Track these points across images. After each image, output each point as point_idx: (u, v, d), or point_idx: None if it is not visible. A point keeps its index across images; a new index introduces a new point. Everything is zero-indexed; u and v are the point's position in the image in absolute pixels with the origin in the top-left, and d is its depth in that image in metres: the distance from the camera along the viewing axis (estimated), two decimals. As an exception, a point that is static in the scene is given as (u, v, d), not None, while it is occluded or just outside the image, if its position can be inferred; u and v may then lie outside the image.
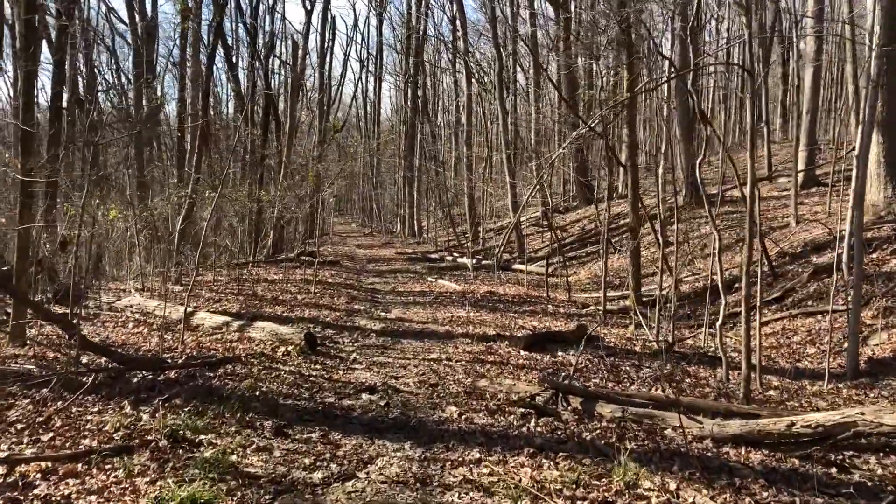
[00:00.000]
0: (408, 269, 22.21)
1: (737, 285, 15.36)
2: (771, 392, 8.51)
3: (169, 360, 8.56)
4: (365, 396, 7.52)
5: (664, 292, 15.87)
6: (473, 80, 33.31)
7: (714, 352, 10.87)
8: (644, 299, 14.47)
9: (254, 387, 7.50)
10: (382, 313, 13.48)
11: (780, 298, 13.22)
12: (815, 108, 21.89)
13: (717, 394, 8.25)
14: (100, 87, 27.93)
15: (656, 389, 8.31)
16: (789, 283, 13.57)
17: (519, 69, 39.34)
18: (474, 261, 21.66)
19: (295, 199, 19.62)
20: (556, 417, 6.83)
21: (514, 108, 33.32)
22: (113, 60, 36.69)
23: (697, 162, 12.25)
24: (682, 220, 21.37)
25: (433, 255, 25.98)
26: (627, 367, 9.45)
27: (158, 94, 23.68)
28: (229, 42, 31.36)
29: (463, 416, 6.84)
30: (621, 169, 29.24)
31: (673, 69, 12.97)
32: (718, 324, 9.06)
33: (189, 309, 11.27)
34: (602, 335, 11.86)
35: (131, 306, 12.01)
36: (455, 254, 25.45)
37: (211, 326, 10.57)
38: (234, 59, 32.41)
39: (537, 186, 20.90)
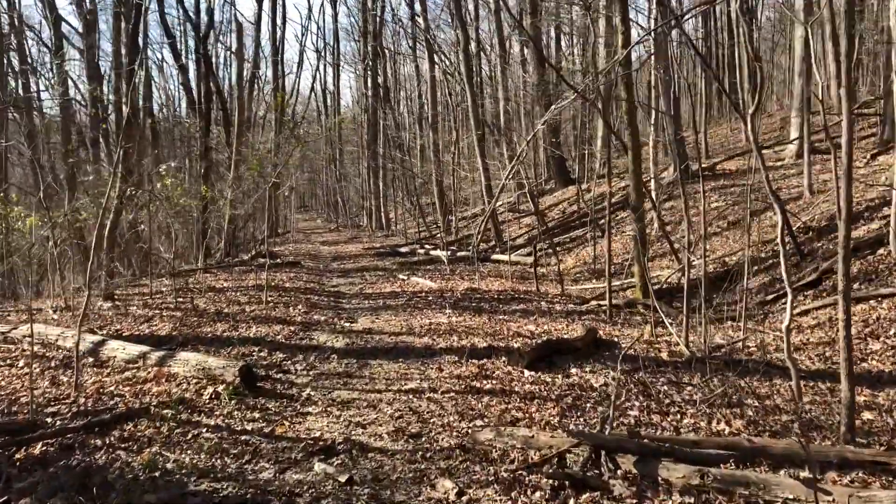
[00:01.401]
0: (376, 267, 19.74)
1: (756, 268, 13.19)
2: (867, 414, 6.24)
3: (49, 419, 6.08)
4: (318, 466, 5.10)
5: (672, 280, 13.69)
6: (436, 62, 30.80)
7: (760, 355, 8.63)
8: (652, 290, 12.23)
9: (154, 463, 5.05)
10: (347, 324, 11.03)
11: (815, 283, 11.00)
12: (808, 68, 19.75)
13: (801, 423, 5.96)
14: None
15: (717, 422, 6.00)
16: (823, 262, 11.35)
17: (482, 55, 36.96)
18: (448, 253, 19.25)
19: (242, 195, 17.02)
20: (603, 491, 4.48)
21: (479, 90, 30.88)
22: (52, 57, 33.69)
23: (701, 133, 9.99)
24: (675, 197, 19.20)
25: (403, 249, 23.53)
26: (664, 387, 7.13)
27: (54, 78, 20.71)
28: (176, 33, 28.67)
29: (464, 498, 4.47)
30: (599, 144, 27.08)
31: (669, 18, 10.68)
32: (785, 325, 6.74)
33: (96, 338, 8.75)
34: (616, 339, 9.56)
35: (29, 336, 9.41)
36: (427, 246, 23.01)
37: (124, 360, 8.05)
38: (178, 49, 29.73)
39: (515, 166, 18.58)
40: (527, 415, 6.17)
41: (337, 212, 47.27)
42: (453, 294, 13.62)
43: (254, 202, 19.26)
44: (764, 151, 23.25)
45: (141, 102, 23.48)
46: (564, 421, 6.02)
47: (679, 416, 6.16)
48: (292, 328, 10.44)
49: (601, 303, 12.14)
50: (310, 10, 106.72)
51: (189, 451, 5.37)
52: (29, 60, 30.22)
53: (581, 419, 6.11)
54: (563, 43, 35.73)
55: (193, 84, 25.11)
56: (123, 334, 9.96)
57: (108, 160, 21.91)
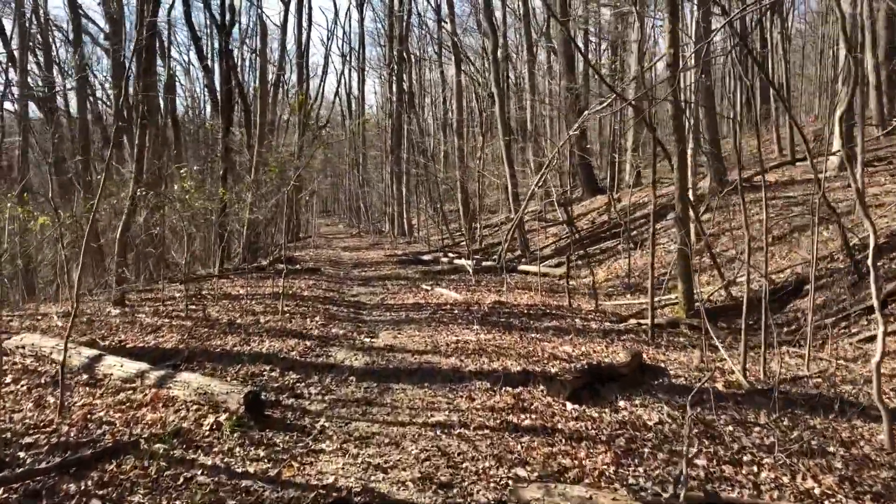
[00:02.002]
0: (398, 275, 18.84)
1: (806, 288, 12.12)
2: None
3: (22, 453, 5.22)
4: (330, 528, 4.18)
5: (714, 297, 12.65)
6: (462, 67, 29.92)
7: (827, 387, 7.60)
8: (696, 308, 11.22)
9: (134, 519, 4.16)
10: (367, 339, 10.11)
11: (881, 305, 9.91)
12: (856, 76, 18.58)
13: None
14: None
15: (802, 477, 5.01)
16: (887, 283, 10.28)
17: (509, 63, 36.05)
18: (473, 262, 18.29)
19: (261, 198, 16.20)
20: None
21: (507, 94, 29.93)
22: (78, 57, 33.23)
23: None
24: (713, 209, 18.13)
25: (426, 257, 22.62)
26: (729, 427, 6.15)
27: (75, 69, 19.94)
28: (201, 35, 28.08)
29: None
30: (630, 152, 26.03)
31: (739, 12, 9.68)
32: (875, 360, 5.74)
33: (92, 352, 7.90)
34: (663, 365, 8.57)
35: (23, 347, 8.58)
36: (451, 254, 22.09)
37: (121, 378, 7.18)
38: (203, 51, 29.12)
39: (545, 173, 17.63)
40: (575, 461, 5.21)
41: (359, 217, 46.52)
42: (480, 308, 12.68)
43: (273, 206, 18.40)
44: (802, 164, 22.12)
45: (162, 104, 22.83)
46: (621, 471, 5.06)
47: (755, 469, 5.18)
48: (308, 343, 9.53)
49: (641, 322, 11.14)
50: (336, 14, 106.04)
51: (178, 502, 4.47)
52: (56, 60, 29.77)
53: (640, 469, 5.14)
54: (590, 48, 34.69)
55: (217, 85, 24.47)
56: (127, 345, 9.13)
57: (130, 161, 21.27)
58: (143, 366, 7.21)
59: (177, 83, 35.43)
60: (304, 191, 31.79)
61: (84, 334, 9.79)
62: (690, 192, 17.49)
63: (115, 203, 13.23)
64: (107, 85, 31.75)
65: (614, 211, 19.90)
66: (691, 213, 13.72)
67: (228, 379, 7.38)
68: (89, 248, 12.56)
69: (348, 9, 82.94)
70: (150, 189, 13.30)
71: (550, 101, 33.09)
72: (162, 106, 24.34)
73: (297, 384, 7.45)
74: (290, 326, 10.72)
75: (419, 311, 12.69)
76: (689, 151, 18.29)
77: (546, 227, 24.30)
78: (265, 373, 7.79)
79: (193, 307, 12.32)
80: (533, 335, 10.21)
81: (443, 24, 34.21)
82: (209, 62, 29.50)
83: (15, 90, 22.00)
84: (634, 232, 18.27)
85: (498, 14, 34.64)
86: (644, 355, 8.70)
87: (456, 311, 12.34)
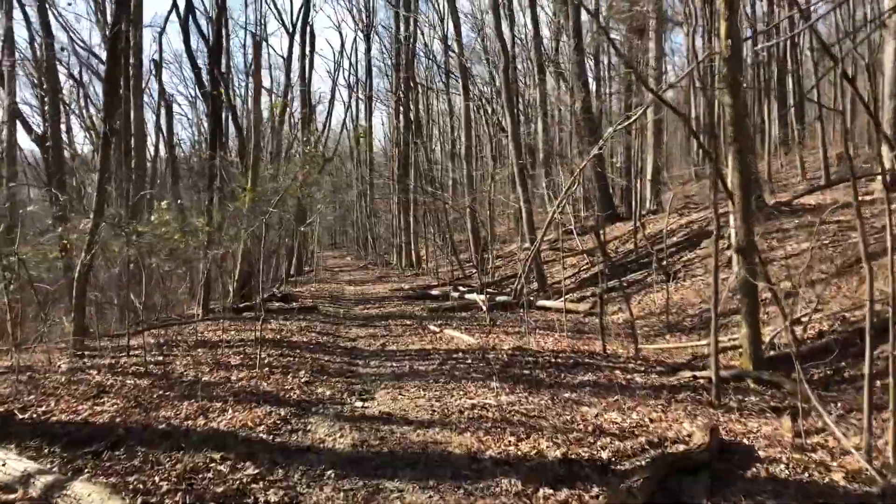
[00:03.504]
0: (404, 313, 16.63)
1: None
2: None
3: None
4: None
5: (776, 341, 10.36)
6: (470, 93, 27.97)
7: None
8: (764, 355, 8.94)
9: None
10: (359, 403, 7.88)
11: None
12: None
13: None
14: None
15: None
16: None
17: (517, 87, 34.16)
18: (486, 296, 16.04)
19: (254, 229, 14.03)
20: None
21: (518, 118, 27.89)
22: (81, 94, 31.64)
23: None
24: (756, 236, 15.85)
25: (434, 291, 20.42)
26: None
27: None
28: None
29: None
30: (650, 174, 23.85)
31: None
32: None
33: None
34: (743, 439, 6.31)
35: None
36: (461, 288, 19.87)
37: None
38: (203, 79, 27.29)
39: (564, 200, 15.48)
40: None
41: (366, 249, 44.49)
42: (498, 355, 10.44)
43: (274, 238, 16.30)
44: (841, 185, 19.85)
45: (154, 133, 20.91)
46: None
47: None
48: (283, 412, 7.29)
49: (697, 374, 8.87)
50: (342, 45, 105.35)
51: None
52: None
53: None
54: (600, 67, 32.72)
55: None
56: (51, 419, 6.93)
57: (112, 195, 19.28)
58: (32, 467, 5.00)
59: (182, 115, 33.65)
60: (307, 221, 29.70)
61: (4, 401, 7.62)
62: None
63: (74, 238, 11.10)
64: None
65: (643, 238, 17.67)
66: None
67: (157, 480, 5.15)
68: (34, 292, 10.46)
69: (354, 39, 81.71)
70: (119, 224, 11.16)
71: (561, 126, 31.10)
72: (154, 135, 22.43)
73: (252, 485, 5.21)
74: (266, 386, 8.49)
75: (426, 359, 10.46)
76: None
77: (563, 258, 22.05)
78: (211, 466, 5.55)
79: (161, 358, 10.16)
80: (567, 394, 7.95)
81: (450, 52, 32.46)
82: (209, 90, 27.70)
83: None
84: (665, 262, 16.02)
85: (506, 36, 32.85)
86: (721, 429, 6.45)
87: (469, 361, 10.10)
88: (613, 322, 13.65)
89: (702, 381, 8.62)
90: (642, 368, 9.54)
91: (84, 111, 31.92)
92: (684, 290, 14.45)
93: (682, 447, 5.93)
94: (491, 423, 6.74)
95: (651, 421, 6.88)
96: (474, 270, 23.49)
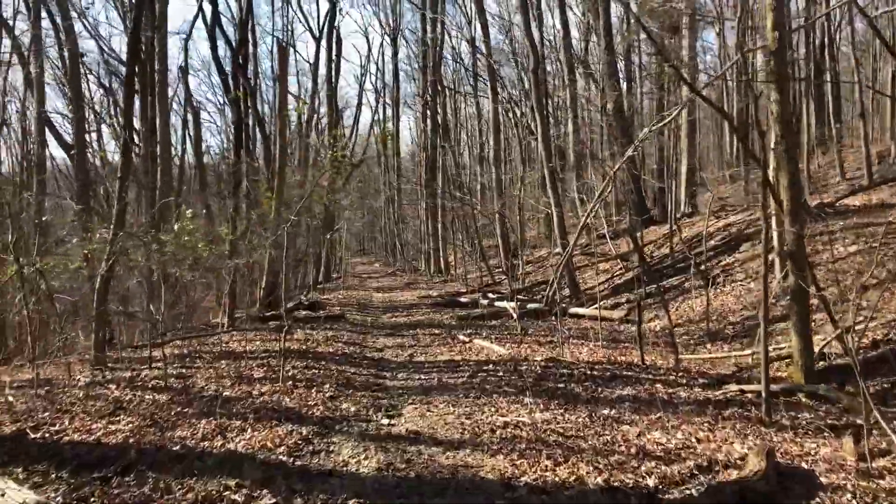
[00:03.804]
0: (432, 321, 16.22)
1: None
2: None
3: None
4: None
5: (827, 351, 9.73)
6: (499, 95, 27.50)
7: None
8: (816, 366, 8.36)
9: None
10: (385, 420, 7.47)
11: None
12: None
13: None
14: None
15: None
16: None
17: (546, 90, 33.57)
18: (517, 304, 15.53)
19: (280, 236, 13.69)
20: None
21: (549, 120, 27.36)
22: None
23: None
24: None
25: (463, 298, 19.98)
26: None
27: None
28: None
29: None
30: (684, 176, 23.19)
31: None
32: None
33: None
34: (801, 462, 5.79)
35: None
36: (491, 295, 19.40)
37: (-1, 515, 4.65)
38: (230, 84, 27.26)
39: (599, 202, 14.98)
40: None
41: (395, 255, 44.20)
42: (530, 366, 9.97)
43: (302, 245, 15.99)
44: (885, 185, 19.05)
45: (181, 140, 20.79)
46: None
47: None
48: (304, 431, 6.91)
49: (745, 388, 8.32)
50: (369, 51, 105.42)
51: None
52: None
53: None
54: (632, 63, 32.03)
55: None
56: (63, 439, 6.63)
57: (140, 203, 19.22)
58: (31, 498, 4.66)
59: (211, 122, 33.66)
60: (335, 227, 29.48)
61: (18, 419, 7.35)
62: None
63: (94, 248, 10.86)
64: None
65: (679, 242, 17.07)
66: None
67: (166, 510, 4.79)
68: (54, 303, 10.23)
69: (381, 43, 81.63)
70: (138, 234, 10.91)
71: (592, 128, 30.52)
72: (182, 142, 22.31)
73: (268, 518, 4.82)
74: (289, 402, 8.12)
75: (455, 371, 10.02)
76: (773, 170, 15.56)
77: (595, 263, 21.48)
78: (225, 495, 5.16)
79: (183, 371, 9.88)
80: (605, 411, 7.47)
81: (477, 54, 32.05)
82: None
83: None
84: (703, 267, 15.40)
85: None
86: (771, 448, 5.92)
87: (500, 373, 9.65)
88: (650, 330, 13.12)
89: (750, 395, 8.08)
90: (684, 381, 9.02)
91: (115, 120, 32.07)
92: (724, 297, 13.84)
93: (734, 473, 5.44)
94: (525, 444, 6.28)
95: (698, 441, 6.38)
96: (504, 277, 23.03)
